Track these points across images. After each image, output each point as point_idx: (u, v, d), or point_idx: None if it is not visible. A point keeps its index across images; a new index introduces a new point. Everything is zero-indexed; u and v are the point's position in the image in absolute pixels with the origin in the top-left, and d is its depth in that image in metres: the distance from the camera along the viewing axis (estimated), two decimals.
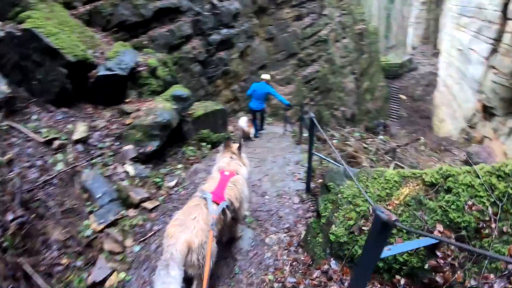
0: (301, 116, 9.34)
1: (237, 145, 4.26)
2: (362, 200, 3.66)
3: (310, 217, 4.81)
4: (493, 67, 17.84)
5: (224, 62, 13.04)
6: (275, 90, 10.08)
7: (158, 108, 6.52)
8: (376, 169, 3.84)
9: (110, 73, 6.93)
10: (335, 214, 3.79)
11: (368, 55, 26.75)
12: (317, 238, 3.89)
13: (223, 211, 3.33)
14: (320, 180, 6.04)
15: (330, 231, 3.68)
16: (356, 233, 3.49)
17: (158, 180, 5.61)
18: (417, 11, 37.13)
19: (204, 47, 12.12)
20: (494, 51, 18.62)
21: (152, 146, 6.02)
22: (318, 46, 19.45)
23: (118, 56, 7.42)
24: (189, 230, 2.89)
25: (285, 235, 4.45)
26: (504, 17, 17.40)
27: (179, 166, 6.52)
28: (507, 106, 17.73)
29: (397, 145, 8.71)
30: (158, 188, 5.49)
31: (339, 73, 21.37)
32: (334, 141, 9.14)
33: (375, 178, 3.75)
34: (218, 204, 3.26)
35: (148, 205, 4.94)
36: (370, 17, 33.85)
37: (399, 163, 7.90)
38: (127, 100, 7.48)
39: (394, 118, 29.93)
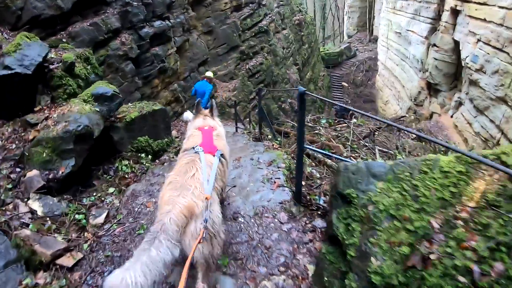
0: (259, 105, 7.81)
1: (207, 110, 3.61)
2: (414, 211, 2.22)
3: (311, 241, 3.30)
4: (434, 45, 18.00)
5: (160, 58, 11.20)
6: (215, 88, 8.64)
7: (73, 113, 4.67)
8: (424, 159, 2.42)
9: (8, 72, 5.07)
10: (370, 239, 2.30)
11: (308, 46, 26.11)
12: (346, 281, 2.39)
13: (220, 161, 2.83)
14: (304, 183, 4.60)
15: (369, 269, 2.20)
16: (418, 267, 2.05)
17: (80, 217, 3.78)
18: (350, 0, 37.37)
19: (135, 42, 10.23)
20: (433, 30, 18.86)
21: (65, 167, 4.18)
22: (259, 37, 18.18)
23: (19, 51, 5.52)
24: (188, 191, 2.26)
25: (284, 277, 2.87)
26: None
27: (111, 190, 4.73)
28: (451, 81, 17.96)
29: (377, 127, 7.43)
30: (81, 229, 3.66)
31: (282, 64, 20.31)
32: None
33: (425, 172, 2.33)
34: (213, 155, 2.75)
35: (67, 260, 3.13)
36: (306, 8, 33.34)
37: (383, 149, 6.67)
38: (36, 109, 5.58)
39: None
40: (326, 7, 41.63)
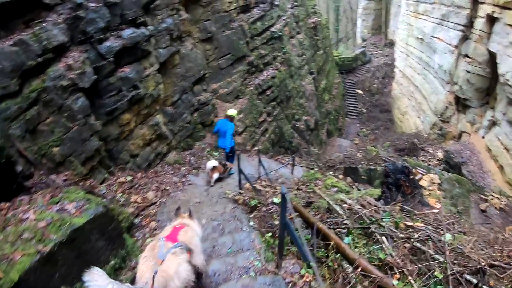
0: (281, 217, 3.51)
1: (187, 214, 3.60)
2: None
3: None
4: (466, 56, 14.39)
5: (131, 83, 7.01)
6: (233, 128, 8.03)
7: None
8: None
9: None
10: None
11: (323, 51, 21.80)
12: None
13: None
14: None
15: None
16: None
17: None
18: (365, 2, 32.57)
19: (91, 64, 6.14)
20: (464, 38, 15.03)
21: None
22: (271, 44, 13.82)
23: None
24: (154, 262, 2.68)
25: None
26: (475, 1, 13.99)
27: None
28: (483, 96, 14.45)
29: (490, 264, 3.05)
30: None
31: (297, 75, 16.05)
32: (344, 242, 3.72)
33: None
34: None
35: None
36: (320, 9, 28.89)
37: None
38: None
39: (353, 115, 25.53)
40: (339, 9, 36.79)
